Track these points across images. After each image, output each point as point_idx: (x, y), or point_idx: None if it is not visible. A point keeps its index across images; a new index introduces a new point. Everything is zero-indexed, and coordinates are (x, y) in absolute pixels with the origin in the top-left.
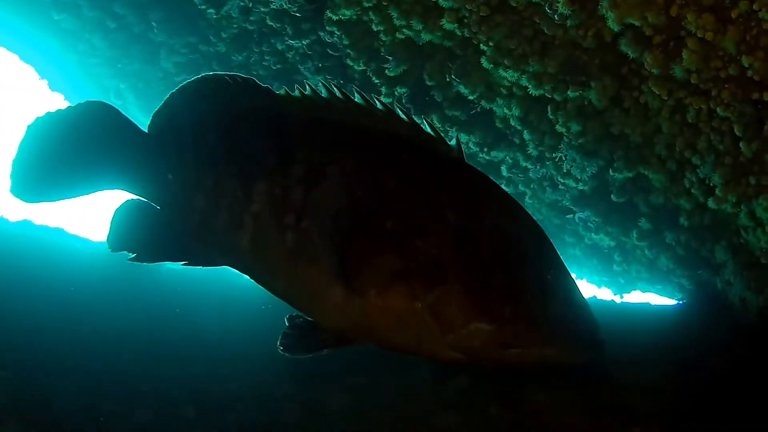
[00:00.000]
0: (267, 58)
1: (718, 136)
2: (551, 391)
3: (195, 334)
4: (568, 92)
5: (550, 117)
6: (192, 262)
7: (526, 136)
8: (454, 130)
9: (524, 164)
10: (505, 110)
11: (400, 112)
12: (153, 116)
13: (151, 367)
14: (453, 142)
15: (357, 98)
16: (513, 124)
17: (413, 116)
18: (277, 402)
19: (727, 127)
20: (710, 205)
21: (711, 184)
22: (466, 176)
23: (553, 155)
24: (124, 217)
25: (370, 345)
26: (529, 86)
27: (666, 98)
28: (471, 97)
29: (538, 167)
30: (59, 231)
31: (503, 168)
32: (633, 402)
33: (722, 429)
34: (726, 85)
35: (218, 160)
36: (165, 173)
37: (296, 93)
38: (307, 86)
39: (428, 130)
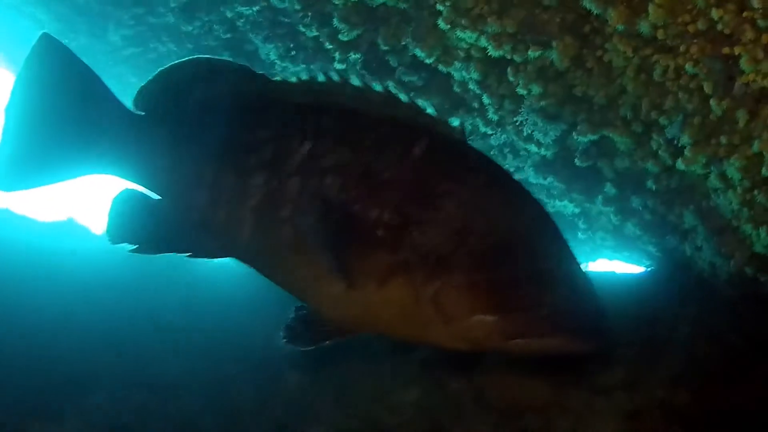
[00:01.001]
0: (216, 27)
1: (686, 94)
2: (514, 364)
3: (154, 319)
4: (529, 53)
5: (510, 79)
6: (195, 254)
7: (485, 100)
8: (411, 95)
9: (484, 130)
10: (464, 74)
11: (400, 94)
12: (138, 92)
13: (107, 352)
14: (456, 123)
15: (354, 82)
16: (471, 88)
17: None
18: (232, 383)
19: (695, 84)
20: (679, 167)
21: (679, 145)
22: (468, 160)
23: (514, 120)
24: (122, 208)
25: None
26: (488, 47)
27: (631, 56)
28: (428, 61)
29: (498, 133)
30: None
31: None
32: (597, 373)
33: (688, 399)
34: (695, 40)
35: (215, 151)
36: (157, 159)
37: (292, 79)
38: (303, 72)
39: (430, 110)
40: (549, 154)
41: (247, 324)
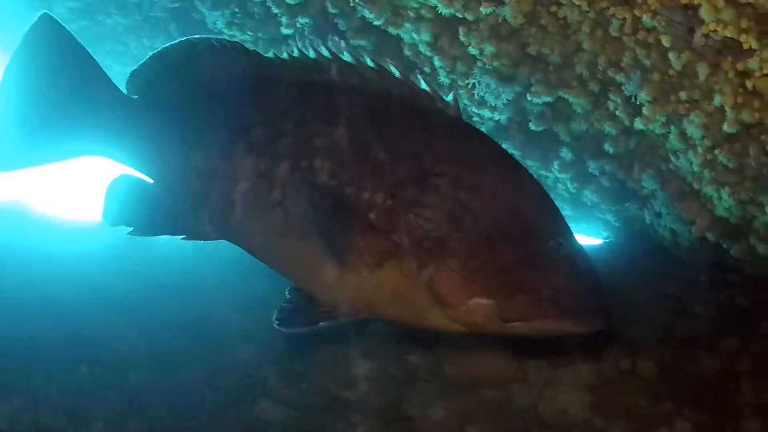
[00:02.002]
0: None
1: (644, 49)
2: (474, 339)
3: (103, 294)
4: (481, 9)
5: (462, 40)
6: (189, 236)
7: (436, 63)
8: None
9: None
10: (414, 36)
11: (392, 68)
12: (131, 75)
13: (54, 327)
14: (450, 98)
15: (346, 57)
16: (423, 50)
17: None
18: (180, 357)
19: (654, 38)
20: (637, 126)
21: (638, 103)
22: (462, 138)
23: (466, 82)
24: (117, 191)
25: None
26: (439, 6)
27: (587, 10)
28: (377, 23)
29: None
30: None
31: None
32: (559, 346)
33: (653, 371)
34: None
35: (205, 133)
36: (149, 143)
37: (284, 56)
38: (295, 48)
39: (423, 86)
40: (503, 118)
41: (200, 299)
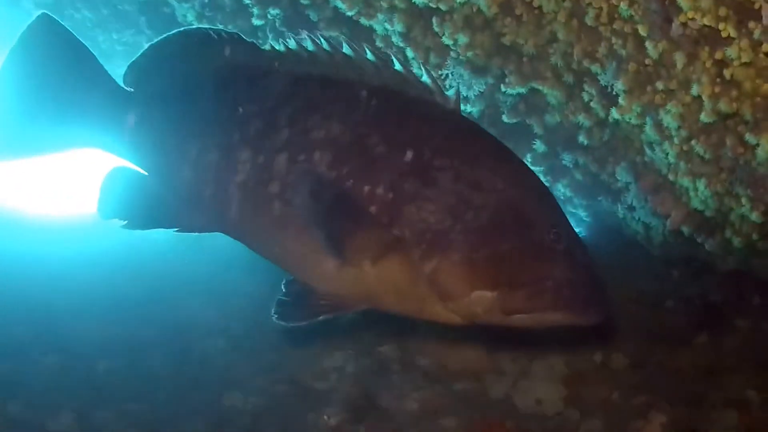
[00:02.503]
0: None
1: (620, 39)
2: (448, 330)
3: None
4: None
5: (436, 30)
6: (183, 229)
7: (409, 54)
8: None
9: None
10: (387, 26)
11: (394, 61)
12: (127, 69)
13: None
14: (451, 92)
15: (346, 49)
16: (395, 41)
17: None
18: (149, 348)
19: (630, 28)
20: (613, 117)
21: (614, 93)
22: (461, 132)
23: (439, 73)
24: (112, 184)
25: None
26: None
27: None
28: (349, 14)
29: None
30: None
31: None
32: (534, 339)
33: (626, 364)
34: None
35: (201, 126)
36: (143, 135)
37: (281, 47)
38: (292, 39)
39: (425, 78)
40: (475, 110)
41: (173, 289)
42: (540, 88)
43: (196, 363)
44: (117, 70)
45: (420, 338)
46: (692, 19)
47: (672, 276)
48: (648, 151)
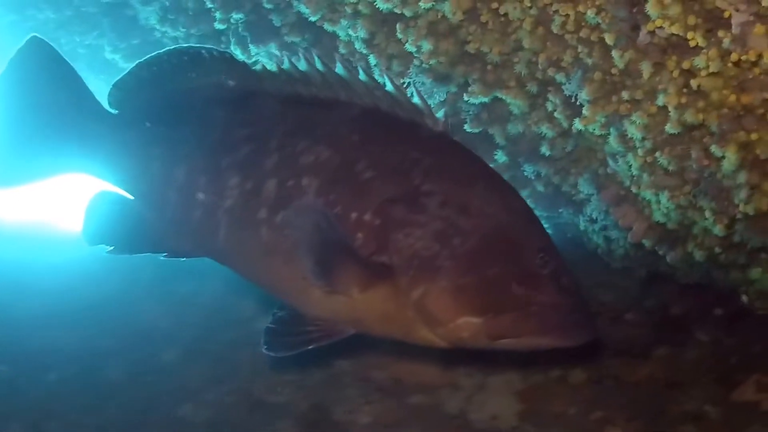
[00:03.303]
0: None
1: (586, 47)
2: (403, 344)
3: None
4: (420, 4)
5: (399, 36)
6: (171, 254)
7: (372, 61)
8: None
9: None
10: (350, 32)
11: (386, 80)
12: (113, 89)
13: None
14: (439, 114)
15: (339, 69)
16: (358, 48)
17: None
18: (103, 358)
19: (597, 36)
20: (576, 127)
21: (578, 103)
22: (449, 156)
23: (401, 81)
24: (98, 209)
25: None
26: (377, 0)
27: (529, 6)
28: (313, 19)
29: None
30: None
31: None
32: (487, 353)
33: (584, 378)
34: None
35: (189, 150)
36: (129, 159)
37: (273, 67)
38: (285, 59)
39: (415, 100)
40: None
41: (127, 299)
42: (503, 97)
43: (149, 373)
44: (80, 73)
45: (375, 352)
46: (660, 27)
47: (632, 289)
48: (611, 162)
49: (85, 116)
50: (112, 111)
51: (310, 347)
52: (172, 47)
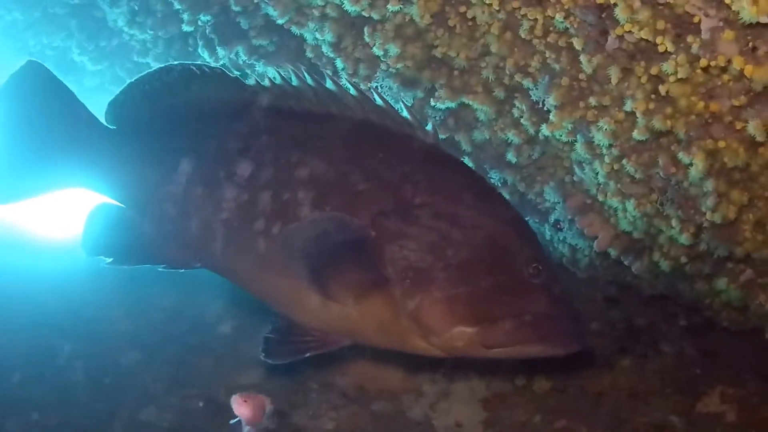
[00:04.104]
0: None
1: (554, 53)
2: (367, 351)
3: None
4: (388, 7)
5: (367, 40)
6: (169, 265)
7: (338, 65)
8: (261, 63)
9: None
10: (317, 36)
11: (375, 96)
12: (109, 106)
13: None
14: (429, 127)
15: (329, 84)
16: (325, 51)
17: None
18: (65, 360)
19: (565, 41)
20: (543, 133)
21: (545, 108)
22: (441, 167)
23: (368, 86)
24: (97, 221)
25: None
26: (345, 2)
27: (497, 10)
28: (280, 22)
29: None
30: None
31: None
32: (451, 360)
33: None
34: None
35: (185, 163)
36: (127, 173)
37: (265, 82)
38: (277, 74)
39: (404, 113)
40: None
41: (89, 302)
42: (470, 102)
43: (110, 376)
44: None
45: (339, 358)
46: (629, 31)
47: (597, 299)
48: (577, 170)
49: (84, 133)
50: (110, 127)
51: (306, 355)
52: (166, 64)
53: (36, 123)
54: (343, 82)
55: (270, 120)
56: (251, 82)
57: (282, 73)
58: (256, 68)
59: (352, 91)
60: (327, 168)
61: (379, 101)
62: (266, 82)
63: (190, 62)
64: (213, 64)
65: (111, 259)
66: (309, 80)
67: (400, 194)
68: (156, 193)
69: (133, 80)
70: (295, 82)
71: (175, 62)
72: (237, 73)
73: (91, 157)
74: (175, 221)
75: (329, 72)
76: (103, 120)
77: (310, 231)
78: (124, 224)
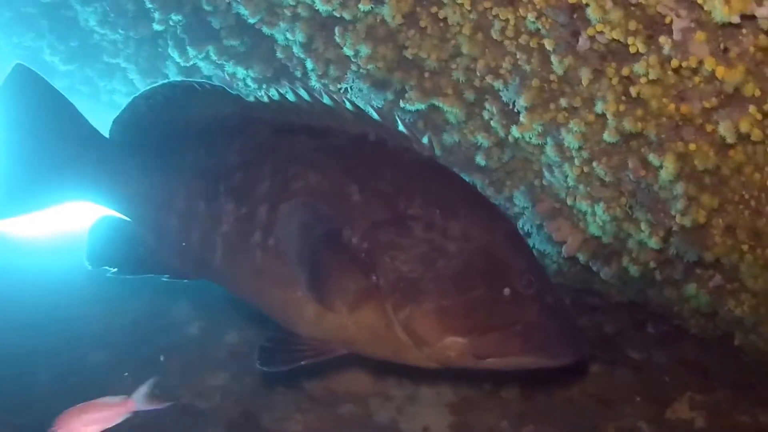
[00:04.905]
0: None
1: (525, 54)
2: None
3: None
4: (359, 7)
5: (338, 40)
6: (172, 276)
7: (309, 66)
8: (231, 63)
9: None
10: (288, 36)
11: (371, 110)
12: (114, 122)
13: None
14: (425, 140)
15: (326, 100)
16: (296, 52)
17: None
18: (31, 359)
19: (536, 42)
20: (513, 135)
21: (516, 110)
22: (436, 180)
23: (338, 87)
24: (100, 233)
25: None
26: (316, 2)
27: (469, 10)
28: (251, 21)
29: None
30: None
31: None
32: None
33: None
34: None
35: (187, 177)
36: (130, 187)
37: (264, 98)
38: (275, 91)
39: (400, 128)
40: None
41: (54, 302)
42: (440, 105)
43: (76, 375)
44: None
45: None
46: (601, 32)
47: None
48: (546, 173)
49: (88, 147)
50: (113, 140)
51: (302, 363)
52: (167, 81)
53: (39, 137)
54: (340, 98)
55: (268, 134)
56: (251, 98)
57: (281, 91)
58: (226, 69)
59: (349, 106)
60: (322, 179)
61: (375, 116)
62: (265, 99)
63: (191, 79)
64: (214, 82)
65: (115, 270)
66: (306, 96)
67: (393, 205)
68: (158, 206)
69: (136, 95)
70: (292, 98)
71: (178, 79)
72: (236, 91)
73: (95, 172)
74: (177, 233)
75: (323, 87)
76: (105, 133)
77: (296, 223)
78: (128, 236)
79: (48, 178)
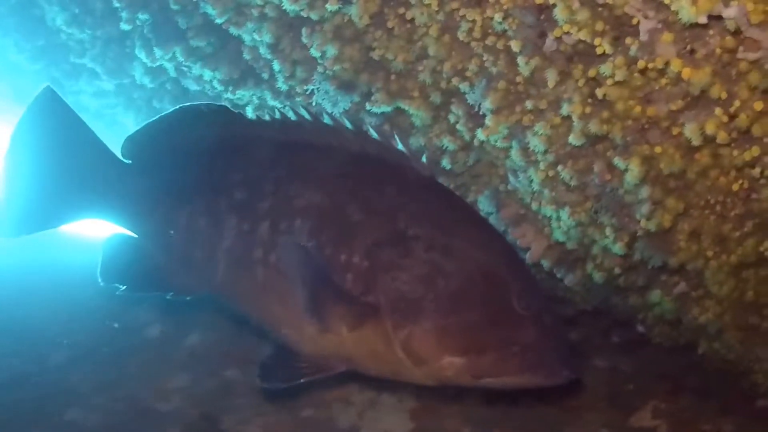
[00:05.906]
0: None
1: (491, 56)
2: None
3: None
4: (327, 7)
5: (305, 41)
6: (177, 292)
7: (275, 67)
8: (198, 65)
9: (272, 103)
10: (255, 37)
11: (370, 130)
12: (125, 142)
13: None
14: (424, 159)
15: (326, 119)
16: (263, 53)
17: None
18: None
19: (503, 44)
20: (479, 138)
21: (481, 113)
22: (435, 199)
23: (305, 89)
24: (112, 250)
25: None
26: (284, 2)
27: (436, 11)
28: (219, 21)
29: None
30: None
31: (249, 109)
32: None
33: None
34: None
35: (191, 195)
36: (139, 205)
37: (266, 117)
38: (277, 111)
39: (400, 147)
40: None
41: (14, 301)
42: (406, 107)
43: (35, 375)
44: None
45: None
46: (568, 32)
47: None
48: (512, 178)
49: (104, 169)
50: (126, 161)
51: (301, 381)
52: (177, 107)
53: (57, 157)
54: (340, 117)
55: (270, 152)
56: (254, 117)
57: (281, 110)
58: (192, 71)
59: (349, 125)
60: (324, 198)
61: (375, 135)
62: (267, 118)
63: (198, 102)
64: (217, 103)
65: (125, 287)
66: (307, 115)
67: (393, 225)
68: (166, 224)
69: (149, 121)
70: (293, 117)
71: (186, 104)
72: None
73: (109, 192)
74: (183, 250)
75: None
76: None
77: (294, 258)
78: (139, 254)
79: (65, 197)
